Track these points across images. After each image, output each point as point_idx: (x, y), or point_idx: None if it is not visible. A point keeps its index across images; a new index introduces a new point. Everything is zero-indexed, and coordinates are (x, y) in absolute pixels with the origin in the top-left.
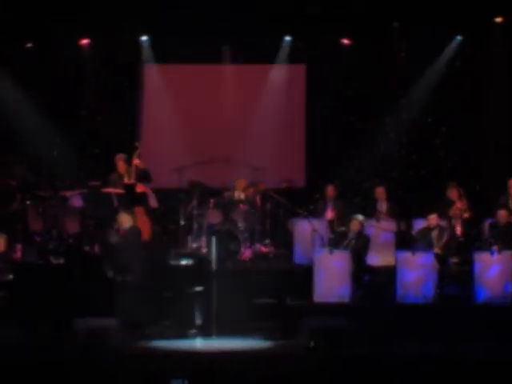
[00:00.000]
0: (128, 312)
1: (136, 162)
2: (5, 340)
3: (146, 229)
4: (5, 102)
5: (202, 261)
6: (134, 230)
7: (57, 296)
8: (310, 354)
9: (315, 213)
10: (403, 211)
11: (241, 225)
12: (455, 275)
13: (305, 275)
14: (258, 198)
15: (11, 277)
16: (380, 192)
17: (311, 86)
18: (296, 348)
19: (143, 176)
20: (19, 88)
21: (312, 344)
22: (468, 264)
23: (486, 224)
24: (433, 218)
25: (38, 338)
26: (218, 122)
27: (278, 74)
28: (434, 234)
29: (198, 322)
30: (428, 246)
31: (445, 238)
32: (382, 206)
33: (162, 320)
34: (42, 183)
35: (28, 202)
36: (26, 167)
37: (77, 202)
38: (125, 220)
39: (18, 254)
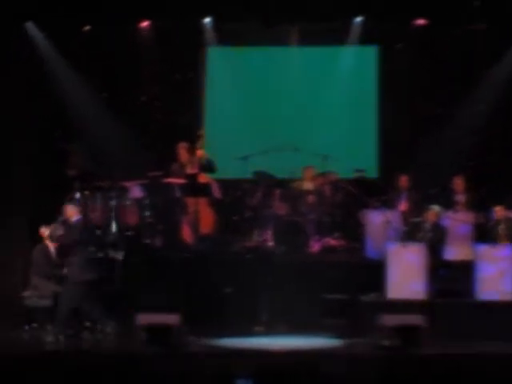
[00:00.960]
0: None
1: (199, 150)
2: (64, 337)
3: (209, 221)
4: (61, 88)
5: (267, 254)
6: (82, 224)
7: (116, 290)
8: (384, 353)
9: (388, 204)
10: (482, 202)
11: (309, 216)
12: None
13: (377, 269)
14: (327, 189)
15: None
16: (458, 182)
17: (384, 69)
18: (368, 347)
19: (207, 166)
20: (76, 74)
21: (386, 343)
22: None
23: None
24: (498, 210)
25: (98, 334)
26: (285, 108)
27: (349, 56)
28: (502, 226)
29: (264, 318)
30: (495, 240)
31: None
32: (460, 197)
33: (226, 316)
34: (100, 173)
35: (87, 193)
36: (84, 157)
37: (137, 192)
38: (71, 212)
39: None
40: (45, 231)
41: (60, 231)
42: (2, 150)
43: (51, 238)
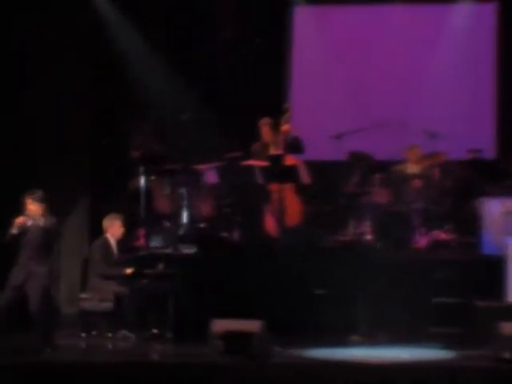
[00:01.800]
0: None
1: (285, 127)
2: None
3: (296, 210)
4: (122, 55)
5: (365, 250)
6: (46, 227)
7: (188, 292)
8: (504, 366)
9: (509, 191)
10: None
11: (414, 205)
12: None
13: (496, 268)
14: (436, 172)
15: (131, 270)
16: None
17: (505, 31)
18: (485, 360)
19: (293, 145)
20: (140, 38)
21: (507, 355)
22: None
23: None
24: None
25: (168, 342)
26: (385, 77)
27: (463, 15)
28: None
29: (361, 325)
30: None
31: None
32: None
33: (316, 323)
34: (169, 155)
35: (153, 178)
36: (149, 135)
37: (212, 177)
38: (33, 209)
39: (141, 241)
40: (108, 223)
41: (14, 230)
42: (52, 131)
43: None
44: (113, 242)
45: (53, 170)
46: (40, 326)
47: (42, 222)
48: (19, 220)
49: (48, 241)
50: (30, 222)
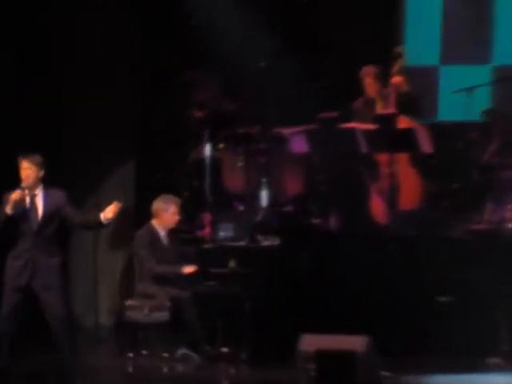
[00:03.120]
0: None
1: (396, 79)
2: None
3: (412, 189)
4: None
5: (508, 242)
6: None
7: (268, 298)
8: None
9: None
10: None
11: None
12: None
13: None
14: None
15: (193, 269)
16: None
17: None
18: None
19: (408, 102)
20: None
21: None
22: None
23: None
24: None
25: (242, 364)
26: None
27: None
28: None
29: (503, 345)
30: None
31: None
32: None
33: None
34: (244, 115)
35: (221, 146)
36: (218, 90)
37: (300, 145)
38: (32, 176)
39: (206, 231)
40: (160, 207)
41: (9, 209)
42: (89, 83)
43: None
44: (162, 231)
45: (86, 133)
46: (66, 342)
47: (47, 195)
48: (15, 195)
49: (58, 222)
50: (29, 197)
